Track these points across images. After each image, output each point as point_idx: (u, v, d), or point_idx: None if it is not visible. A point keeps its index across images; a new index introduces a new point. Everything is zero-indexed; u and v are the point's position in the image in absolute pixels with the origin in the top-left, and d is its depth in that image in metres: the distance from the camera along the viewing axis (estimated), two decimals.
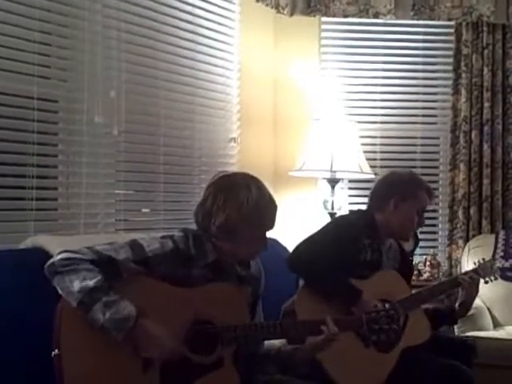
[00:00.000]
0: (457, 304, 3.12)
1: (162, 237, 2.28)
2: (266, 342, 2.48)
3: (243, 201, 2.24)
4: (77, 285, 2.02)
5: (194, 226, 2.36)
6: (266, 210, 2.28)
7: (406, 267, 3.17)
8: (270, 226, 2.32)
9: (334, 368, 2.64)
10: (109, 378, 2.08)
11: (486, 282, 3.18)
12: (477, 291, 3.12)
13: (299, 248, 2.83)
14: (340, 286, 2.77)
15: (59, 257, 2.08)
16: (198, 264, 2.28)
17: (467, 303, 3.12)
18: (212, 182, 2.34)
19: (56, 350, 2.02)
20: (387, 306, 2.53)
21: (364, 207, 3.13)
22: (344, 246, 2.81)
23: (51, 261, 2.08)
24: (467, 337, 3.56)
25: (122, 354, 2.09)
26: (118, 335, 2.04)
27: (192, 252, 2.27)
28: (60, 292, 2.05)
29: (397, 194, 2.99)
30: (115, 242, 2.21)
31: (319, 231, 2.94)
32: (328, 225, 3.06)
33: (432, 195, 3.08)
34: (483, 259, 3.22)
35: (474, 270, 3.16)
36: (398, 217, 2.98)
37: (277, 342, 2.53)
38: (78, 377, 2.03)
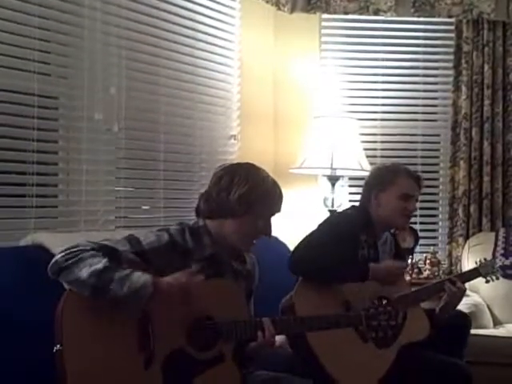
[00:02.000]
0: (437, 308, 3.09)
1: (159, 230, 2.29)
2: None
3: (263, 178, 2.32)
4: (86, 272, 2.03)
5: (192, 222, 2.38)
6: (278, 194, 2.36)
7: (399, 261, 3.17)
8: (278, 209, 2.38)
9: (332, 363, 2.64)
10: (111, 372, 2.07)
11: (487, 282, 3.18)
12: (459, 300, 3.08)
13: (299, 249, 2.83)
14: (347, 266, 2.79)
15: (60, 254, 2.09)
16: (195, 257, 2.29)
17: (447, 309, 3.07)
18: (223, 167, 2.39)
19: (58, 346, 2.02)
20: (385, 302, 2.53)
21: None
22: (343, 243, 2.81)
23: (53, 260, 2.08)
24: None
25: (124, 349, 2.09)
26: (141, 303, 2.07)
27: (189, 245, 2.28)
28: (69, 286, 2.06)
29: (375, 186, 3.01)
30: (112, 239, 2.22)
31: (317, 229, 2.94)
32: (325, 222, 3.05)
33: (418, 180, 3.05)
34: (485, 259, 3.22)
35: (474, 269, 3.17)
36: (382, 208, 2.99)
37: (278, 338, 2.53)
38: (79, 372, 2.03)
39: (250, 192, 2.28)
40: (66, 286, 2.07)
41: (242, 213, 2.29)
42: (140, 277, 2.06)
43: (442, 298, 3.05)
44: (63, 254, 2.08)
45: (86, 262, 2.05)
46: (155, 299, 2.08)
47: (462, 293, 3.04)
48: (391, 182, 2.99)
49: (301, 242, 2.85)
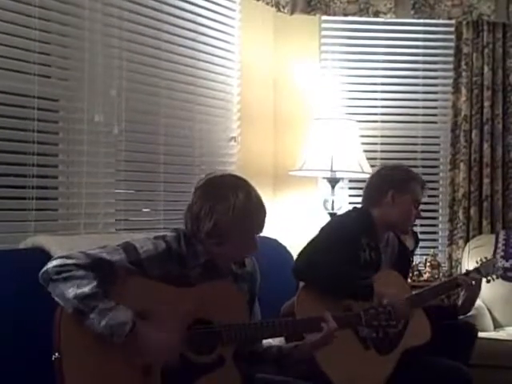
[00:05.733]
0: (459, 302, 3.12)
1: (155, 237, 2.27)
2: (266, 341, 2.48)
3: (230, 206, 2.21)
4: (72, 292, 2.01)
5: None
6: (253, 215, 2.26)
7: (403, 263, 3.17)
8: (258, 230, 2.30)
9: (332, 370, 2.64)
10: (110, 380, 2.07)
11: (488, 281, 3.20)
12: (479, 290, 3.13)
13: (302, 255, 2.82)
14: (351, 284, 2.78)
15: (53, 263, 2.07)
16: (190, 264, 2.27)
17: (468, 302, 3.14)
18: (199, 185, 2.33)
19: (56, 354, 2.01)
20: (385, 302, 2.53)
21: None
22: (344, 247, 2.81)
23: (45, 268, 2.07)
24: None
25: (122, 356, 2.08)
26: (116, 340, 2.03)
27: (183, 252, 2.27)
28: (55, 299, 2.04)
29: (394, 186, 3.01)
30: (108, 245, 2.20)
31: (318, 235, 2.94)
32: (326, 227, 3.05)
33: (425, 188, 3.10)
34: (485, 258, 3.22)
35: (475, 269, 3.17)
36: (396, 209, 3.00)
37: (276, 341, 2.53)
38: (78, 380, 2.02)
39: (216, 227, 2.22)
40: (53, 296, 2.05)
41: (216, 243, 2.26)
42: (121, 314, 2.03)
43: (461, 294, 3.09)
44: (56, 264, 2.06)
45: (74, 282, 2.02)
46: (131, 340, 2.04)
47: (478, 283, 3.10)
48: (411, 188, 3.02)
49: (304, 248, 2.85)
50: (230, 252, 2.28)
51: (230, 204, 2.22)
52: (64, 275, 2.03)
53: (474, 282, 3.07)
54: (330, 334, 2.32)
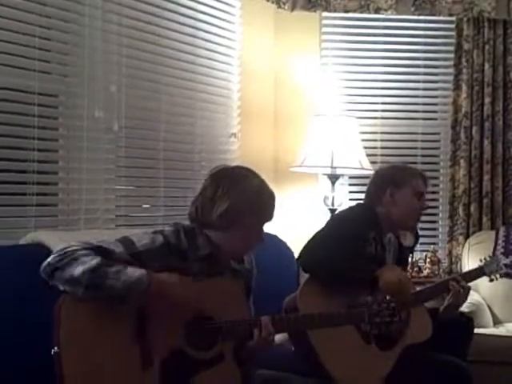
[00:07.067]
0: (442, 307, 3.07)
1: (153, 232, 2.28)
2: None
3: (246, 189, 2.26)
4: (79, 269, 2.02)
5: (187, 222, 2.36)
6: (267, 200, 2.31)
7: (402, 263, 3.16)
8: (270, 216, 2.33)
9: (334, 365, 2.63)
10: (109, 375, 2.07)
11: (491, 280, 3.16)
12: (464, 300, 3.05)
13: (309, 247, 2.81)
14: (361, 273, 2.78)
15: (52, 256, 2.08)
16: (191, 258, 2.28)
17: (451, 308, 3.04)
18: (212, 173, 2.36)
19: (55, 348, 2.02)
20: (388, 298, 2.52)
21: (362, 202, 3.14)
22: (351, 241, 2.80)
23: (46, 262, 2.08)
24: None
25: (121, 351, 2.09)
26: (138, 298, 2.07)
27: (184, 245, 2.27)
28: (63, 287, 2.05)
29: (390, 183, 3.01)
30: (106, 240, 2.21)
31: (325, 228, 2.93)
32: (333, 220, 3.05)
33: (426, 179, 3.08)
34: (489, 256, 3.20)
35: (479, 268, 3.15)
36: (397, 206, 2.99)
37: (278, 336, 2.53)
38: (77, 375, 2.03)
39: (230, 208, 2.24)
40: (60, 286, 2.06)
41: (227, 227, 2.27)
42: (134, 271, 2.07)
43: (446, 298, 3.04)
44: (56, 255, 2.08)
45: (79, 261, 2.05)
46: (150, 293, 2.08)
47: (466, 292, 3.02)
48: (407, 182, 3.01)
49: (310, 240, 2.84)
50: (236, 240, 2.29)
51: (246, 186, 2.27)
52: (67, 259, 2.05)
53: (461, 291, 2.98)
54: (264, 341, 2.26)
